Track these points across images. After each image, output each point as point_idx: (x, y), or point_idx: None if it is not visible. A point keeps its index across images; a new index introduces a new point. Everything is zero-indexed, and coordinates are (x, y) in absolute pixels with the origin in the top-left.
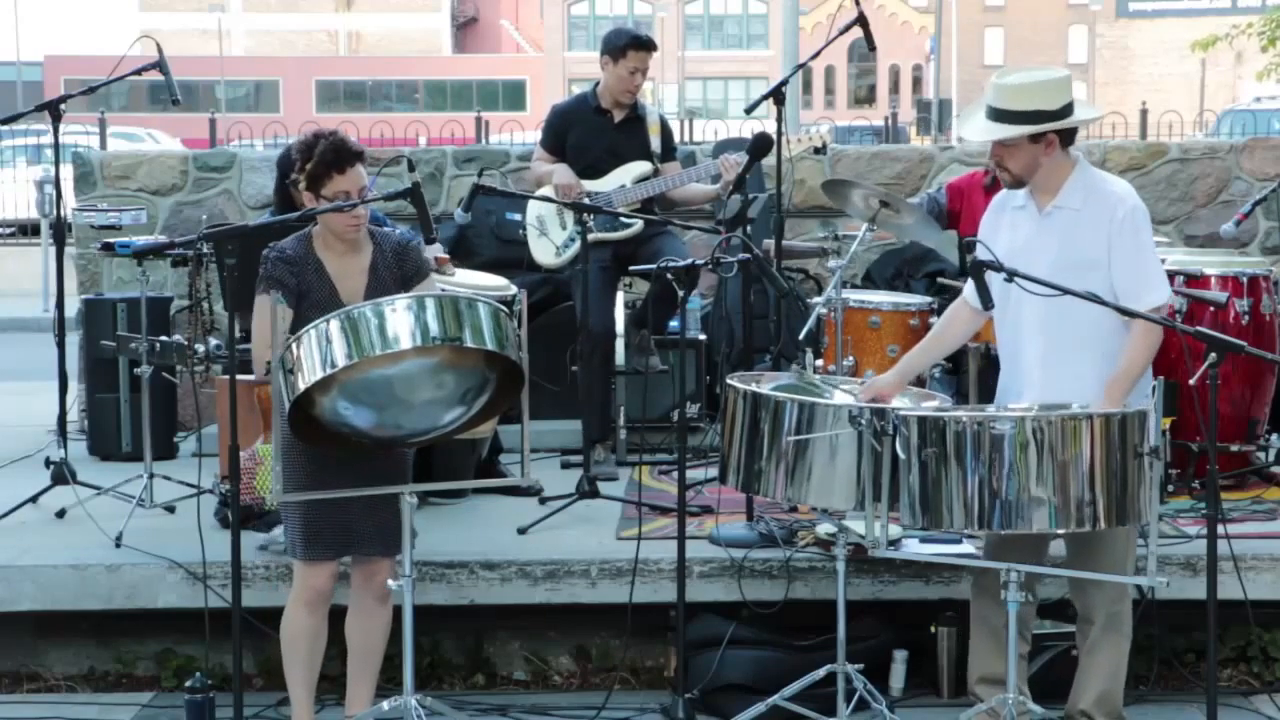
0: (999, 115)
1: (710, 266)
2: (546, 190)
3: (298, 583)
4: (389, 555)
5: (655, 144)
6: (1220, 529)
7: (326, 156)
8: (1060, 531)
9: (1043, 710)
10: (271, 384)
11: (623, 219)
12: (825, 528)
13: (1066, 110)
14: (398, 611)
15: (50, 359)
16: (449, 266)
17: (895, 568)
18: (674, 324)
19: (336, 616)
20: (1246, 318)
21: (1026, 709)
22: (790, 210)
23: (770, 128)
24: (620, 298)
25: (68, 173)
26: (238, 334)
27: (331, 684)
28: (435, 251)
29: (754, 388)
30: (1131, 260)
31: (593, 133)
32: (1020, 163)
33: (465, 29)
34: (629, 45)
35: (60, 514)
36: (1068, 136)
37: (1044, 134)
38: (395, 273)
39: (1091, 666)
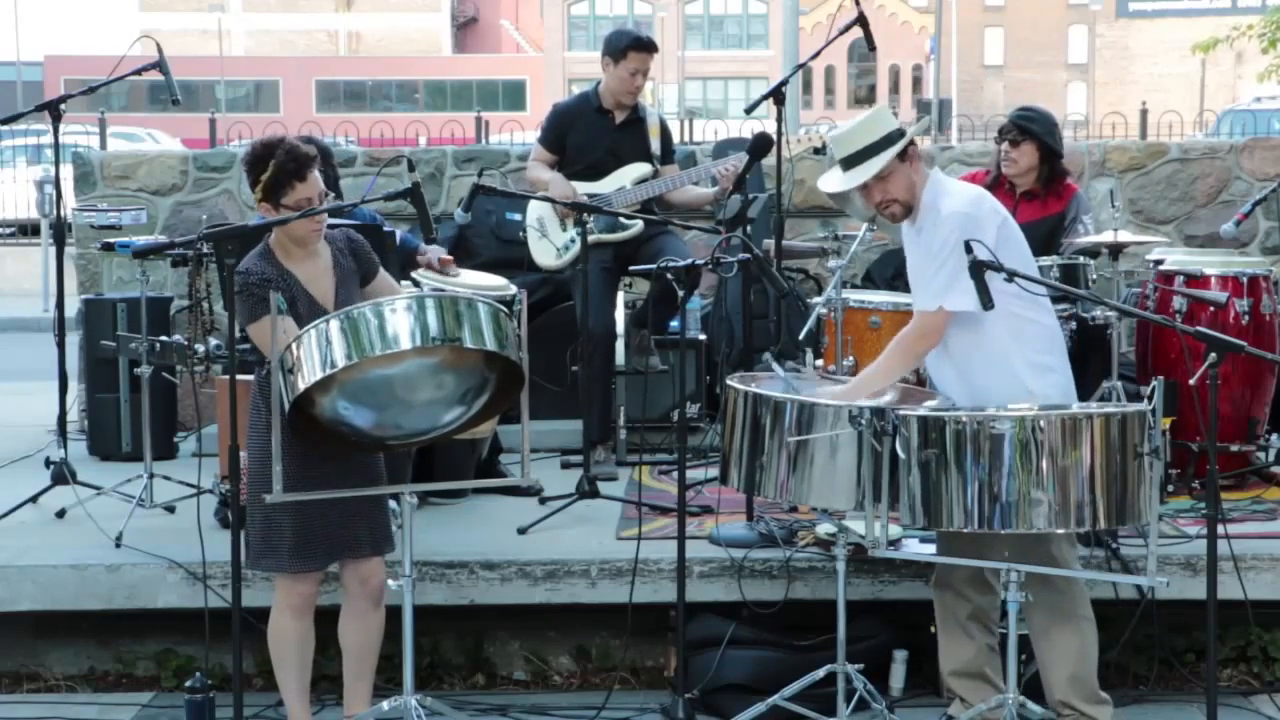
0: (856, 158)
1: (710, 266)
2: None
3: (282, 591)
4: (379, 554)
5: (655, 146)
6: (1220, 529)
7: (287, 166)
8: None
9: (1042, 710)
10: (272, 385)
11: (623, 220)
12: (825, 528)
13: (902, 129)
14: (394, 611)
15: (50, 359)
16: (452, 268)
17: (895, 568)
18: (674, 324)
19: (331, 616)
20: (1246, 318)
21: (1019, 705)
22: (790, 210)
23: (770, 128)
24: (620, 298)
25: (68, 173)
26: (238, 334)
27: (332, 684)
28: (438, 253)
29: (754, 388)
30: (924, 262)
31: (594, 133)
32: (901, 186)
33: (465, 29)
34: (630, 47)
35: (60, 514)
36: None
37: (905, 150)
38: (353, 266)
39: (1049, 654)
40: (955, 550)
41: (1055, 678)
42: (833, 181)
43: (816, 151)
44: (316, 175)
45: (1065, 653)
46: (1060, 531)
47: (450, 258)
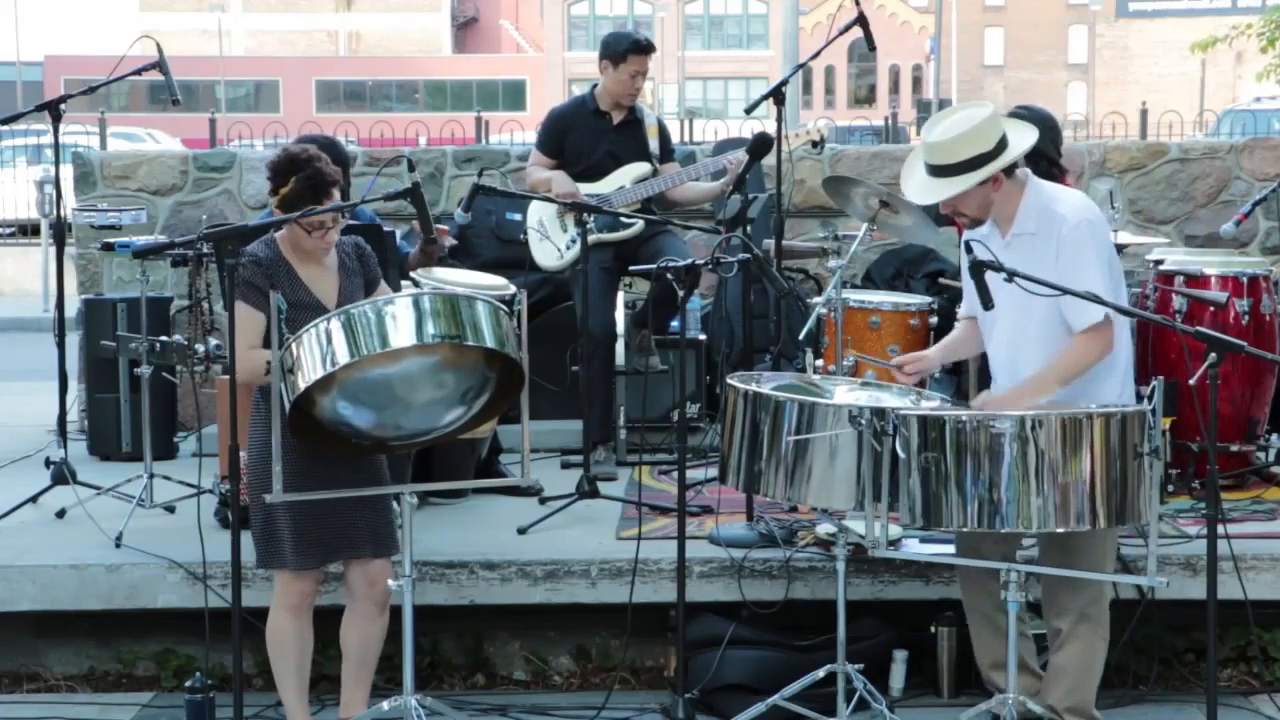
0: (940, 171)
1: (710, 266)
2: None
3: (281, 589)
4: (383, 555)
5: (653, 145)
6: (1220, 529)
7: (305, 194)
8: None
9: (1043, 709)
10: (272, 385)
11: (623, 219)
12: (825, 528)
13: (1002, 144)
14: (394, 611)
15: (50, 359)
16: (446, 238)
17: (895, 568)
18: (674, 324)
19: (331, 616)
20: (1246, 318)
21: (1026, 708)
22: (790, 210)
23: (770, 128)
24: (620, 298)
25: (68, 173)
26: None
27: (332, 684)
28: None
29: (754, 388)
30: (1068, 280)
31: (592, 135)
32: (974, 205)
33: (465, 29)
34: (629, 50)
35: (60, 514)
36: (1010, 167)
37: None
38: (360, 270)
39: (1060, 664)
40: (978, 550)
41: (1056, 686)
42: (917, 191)
43: (814, 145)
44: (335, 196)
45: (1074, 666)
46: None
47: (445, 228)
